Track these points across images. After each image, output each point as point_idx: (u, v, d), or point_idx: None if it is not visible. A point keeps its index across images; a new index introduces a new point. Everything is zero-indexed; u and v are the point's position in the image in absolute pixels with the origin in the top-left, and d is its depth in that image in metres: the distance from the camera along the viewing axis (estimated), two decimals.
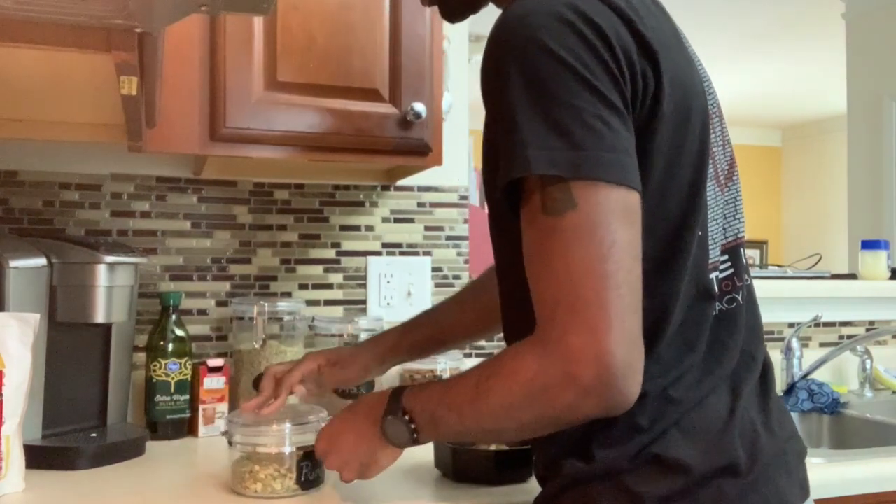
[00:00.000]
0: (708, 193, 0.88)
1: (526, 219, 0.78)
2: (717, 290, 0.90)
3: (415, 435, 0.88)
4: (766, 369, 0.95)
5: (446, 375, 1.56)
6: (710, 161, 0.89)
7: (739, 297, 0.93)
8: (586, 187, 0.73)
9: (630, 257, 0.74)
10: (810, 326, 2.00)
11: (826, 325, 2.10)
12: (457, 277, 1.77)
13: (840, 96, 4.84)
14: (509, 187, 0.78)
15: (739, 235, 0.95)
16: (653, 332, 0.82)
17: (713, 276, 0.89)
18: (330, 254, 1.69)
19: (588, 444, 0.85)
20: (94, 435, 1.29)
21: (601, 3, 0.78)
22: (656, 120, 0.80)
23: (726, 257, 0.93)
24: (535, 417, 0.78)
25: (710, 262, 0.89)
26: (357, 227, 1.71)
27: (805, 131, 8.32)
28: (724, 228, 0.93)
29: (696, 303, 0.87)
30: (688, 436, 0.83)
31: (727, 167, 0.95)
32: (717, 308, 0.90)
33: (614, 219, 0.74)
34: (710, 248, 0.89)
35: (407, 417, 0.88)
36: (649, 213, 0.79)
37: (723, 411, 0.86)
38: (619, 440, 0.84)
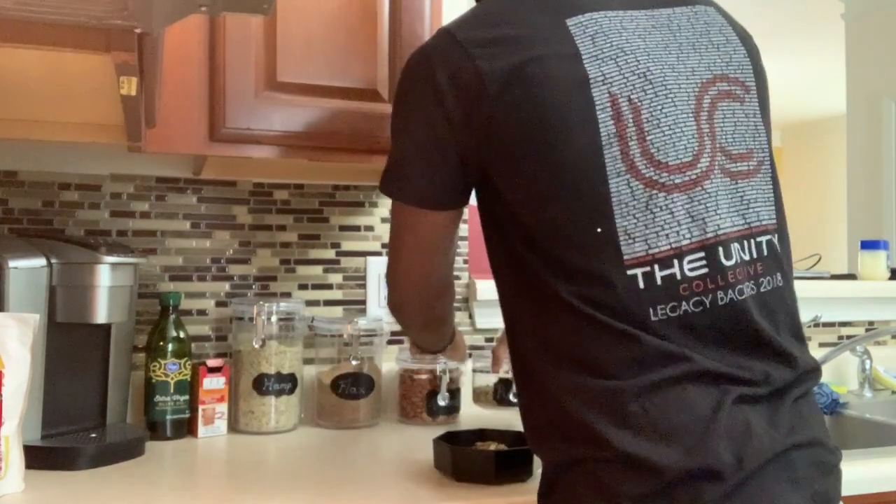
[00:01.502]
0: (619, 188, 0.88)
1: None
2: (660, 287, 0.87)
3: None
4: (797, 373, 0.91)
5: (446, 376, 1.57)
6: (624, 156, 0.88)
7: (719, 301, 0.88)
8: (397, 205, 1.05)
9: (409, 252, 1.06)
10: (810, 327, 2.00)
11: (825, 325, 2.10)
12: (456, 277, 1.77)
13: (839, 96, 4.85)
14: None
15: (721, 233, 0.90)
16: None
17: (637, 271, 0.87)
18: (329, 254, 1.69)
19: (565, 440, 0.88)
20: (93, 435, 1.29)
21: (451, 44, 0.93)
22: (498, 138, 0.91)
23: (701, 254, 0.88)
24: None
25: (627, 258, 0.87)
26: (357, 228, 1.71)
27: (805, 131, 8.33)
28: (686, 227, 0.89)
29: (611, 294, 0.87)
30: (662, 433, 0.83)
31: (691, 159, 0.91)
32: (673, 307, 0.87)
33: (406, 230, 1.05)
34: (623, 244, 0.87)
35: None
36: (533, 212, 0.91)
37: (704, 411, 0.83)
38: (592, 435, 0.85)
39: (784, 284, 0.94)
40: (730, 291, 0.88)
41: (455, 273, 1.77)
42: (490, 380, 1.62)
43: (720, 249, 0.89)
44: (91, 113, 1.26)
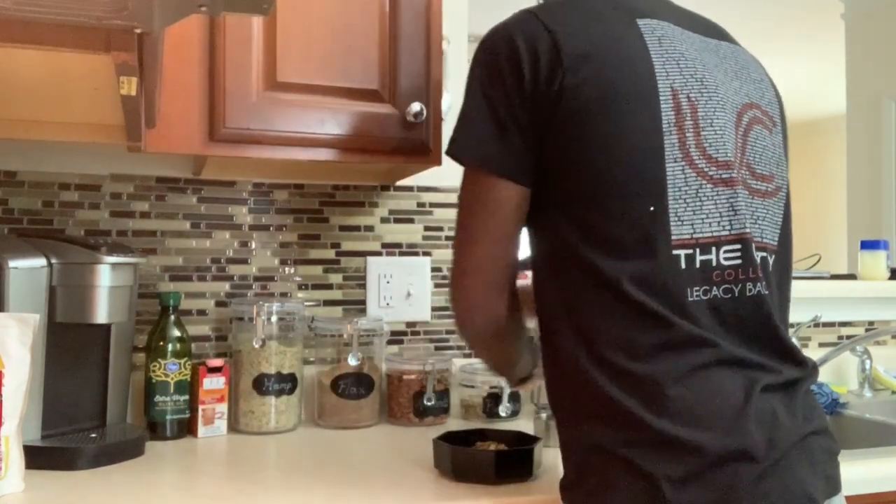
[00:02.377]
0: (675, 173, 0.93)
1: None
2: (697, 270, 0.93)
3: None
4: (805, 371, 0.98)
5: (434, 375, 1.57)
6: (681, 145, 0.94)
7: (747, 292, 0.95)
8: (471, 173, 1.00)
9: (488, 235, 0.98)
10: (810, 327, 2.00)
11: (825, 325, 2.10)
12: None
13: (839, 96, 4.85)
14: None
15: (745, 231, 0.97)
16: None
17: (680, 253, 0.92)
18: (329, 254, 1.69)
19: (599, 423, 0.90)
20: (93, 435, 1.29)
21: (532, 19, 0.97)
22: (565, 121, 0.93)
23: (738, 246, 0.95)
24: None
25: (674, 238, 0.93)
26: (357, 228, 1.71)
27: (804, 131, 8.33)
28: (727, 219, 0.95)
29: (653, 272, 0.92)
30: (698, 417, 0.87)
31: (725, 162, 0.97)
32: (705, 290, 0.93)
33: (483, 205, 0.98)
34: (673, 224, 0.93)
35: None
36: (581, 187, 0.94)
37: (737, 397, 0.89)
38: (627, 418, 0.88)
39: (778, 301, 1.01)
40: (757, 285, 0.96)
41: None
42: (479, 393, 1.62)
43: (752, 245, 0.97)
44: (91, 113, 1.26)
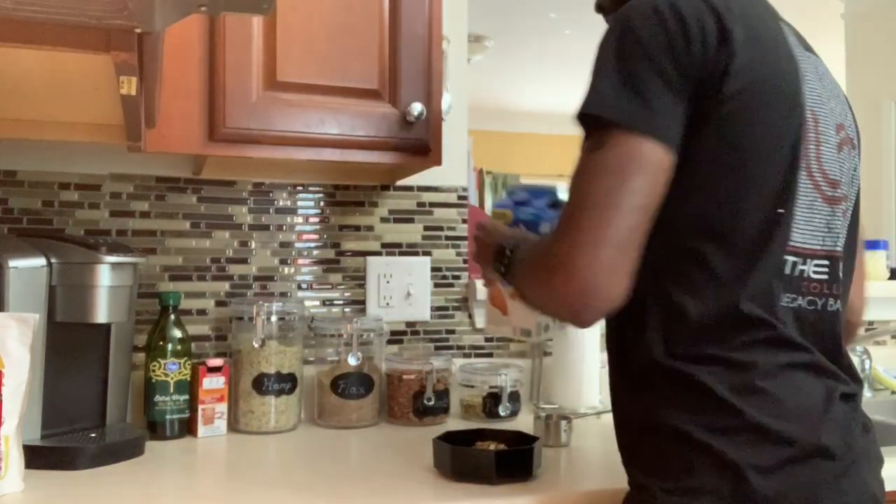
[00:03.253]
0: (803, 183, 0.94)
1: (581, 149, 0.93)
2: (794, 277, 0.94)
3: (503, 270, 1.08)
4: (861, 387, 1.01)
5: (433, 377, 1.57)
6: (809, 155, 0.95)
7: (828, 307, 0.98)
8: (622, 135, 0.88)
9: (631, 202, 0.87)
10: None
11: None
12: (456, 277, 1.77)
13: None
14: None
15: (837, 250, 1.00)
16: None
17: (789, 259, 0.94)
18: (329, 254, 1.69)
19: (681, 408, 0.90)
20: (93, 435, 1.29)
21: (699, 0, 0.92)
22: (723, 102, 0.90)
23: (826, 262, 0.98)
24: (527, 294, 0.99)
25: (790, 245, 0.94)
26: (356, 227, 1.71)
27: None
28: (823, 235, 0.98)
29: (767, 275, 0.93)
30: (788, 410, 0.88)
31: (833, 183, 0.99)
32: (793, 298, 0.94)
33: (634, 167, 0.87)
34: (794, 230, 0.94)
35: (506, 260, 1.07)
36: (725, 175, 0.91)
37: (819, 399, 0.91)
38: (718, 405, 0.88)
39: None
40: (837, 302, 0.99)
41: (455, 273, 1.77)
42: (479, 393, 1.62)
43: (840, 264, 1.00)
44: (91, 113, 1.26)
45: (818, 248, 0.97)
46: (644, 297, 0.93)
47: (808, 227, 0.96)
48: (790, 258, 0.94)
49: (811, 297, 0.96)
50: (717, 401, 0.88)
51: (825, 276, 0.98)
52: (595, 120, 0.90)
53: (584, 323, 0.91)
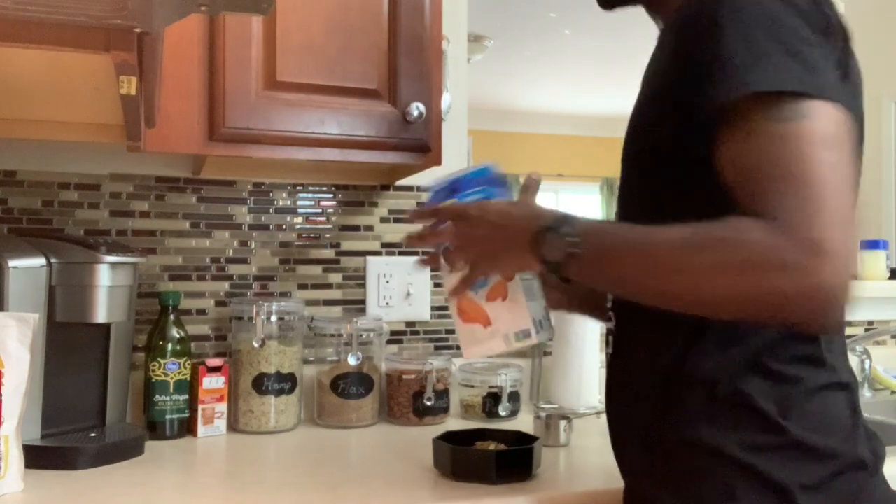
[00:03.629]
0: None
1: (743, 132, 0.81)
2: None
3: (571, 252, 0.86)
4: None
5: (433, 375, 1.57)
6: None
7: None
8: (819, 103, 0.79)
9: (848, 174, 0.79)
10: None
11: None
12: None
13: None
14: (723, 108, 0.81)
15: None
16: None
17: None
18: (329, 254, 1.69)
19: (722, 426, 0.87)
20: (93, 435, 1.29)
21: None
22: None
23: None
24: (730, 285, 0.77)
25: None
26: (356, 227, 1.71)
27: None
28: None
29: None
30: (827, 426, 0.88)
31: None
32: None
33: (841, 136, 0.80)
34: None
35: (570, 239, 0.86)
36: None
37: (848, 412, 0.91)
38: (763, 422, 0.86)
39: None
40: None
41: None
42: (479, 392, 1.62)
43: None
44: (91, 113, 1.26)
45: None
46: (702, 327, 0.88)
47: None
48: None
49: None
50: (763, 418, 0.86)
51: None
52: (790, 93, 0.79)
53: (831, 324, 0.77)
